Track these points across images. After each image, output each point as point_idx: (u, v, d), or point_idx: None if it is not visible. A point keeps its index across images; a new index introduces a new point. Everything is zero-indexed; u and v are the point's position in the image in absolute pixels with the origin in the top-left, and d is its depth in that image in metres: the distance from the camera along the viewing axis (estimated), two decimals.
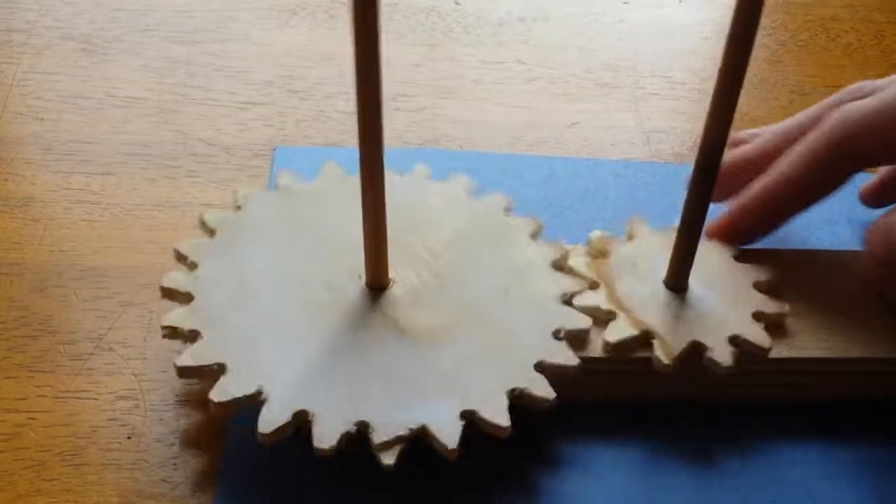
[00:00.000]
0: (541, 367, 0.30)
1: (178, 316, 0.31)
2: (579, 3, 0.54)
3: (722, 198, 0.36)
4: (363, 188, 0.29)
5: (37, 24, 0.49)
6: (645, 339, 0.32)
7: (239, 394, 0.29)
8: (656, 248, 0.34)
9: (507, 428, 0.29)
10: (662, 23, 0.53)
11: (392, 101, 0.46)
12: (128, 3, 0.51)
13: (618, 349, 0.32)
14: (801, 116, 0.36)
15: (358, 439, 0.29)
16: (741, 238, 0.35)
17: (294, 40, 0.50)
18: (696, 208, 0.31)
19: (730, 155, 0.35)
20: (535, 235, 0.35)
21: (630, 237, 0.35)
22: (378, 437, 0.28)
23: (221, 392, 0.29)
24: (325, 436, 0.28)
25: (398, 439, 0.28)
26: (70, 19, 0.50)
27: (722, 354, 0.31)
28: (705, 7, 0.55)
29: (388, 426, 0.29)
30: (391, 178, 0.36)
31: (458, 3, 0.53)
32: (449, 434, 0.29)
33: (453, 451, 0.28)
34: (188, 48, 0.49)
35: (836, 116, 0.32)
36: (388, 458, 0.28)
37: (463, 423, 0.29)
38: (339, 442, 0.28)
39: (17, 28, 0.49)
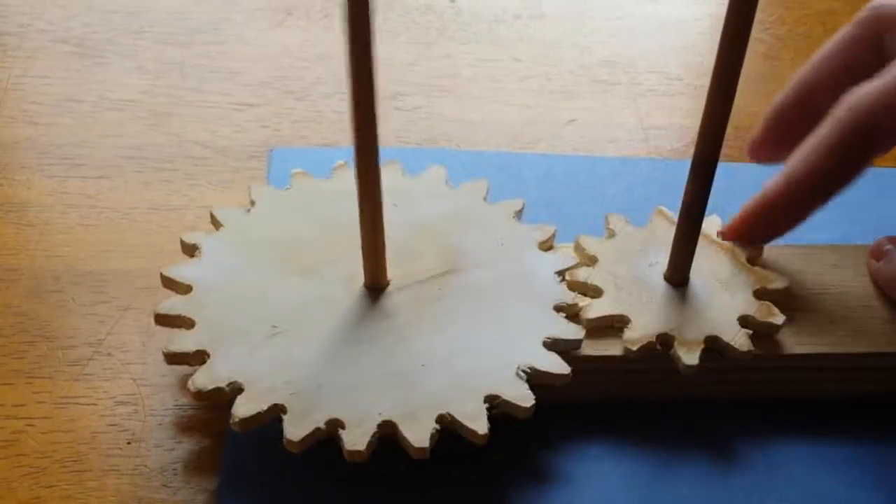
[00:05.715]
0: (531, 372, 0.30)
1: (175, 305, 0.32)
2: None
3: (776, 156, 0.35)
4: (359, 188, 0.29)
5: (29, 27, 0.49)
6: (664, 339, 0.32)
7: (219, 384, 0.29)
8: (652, 243, 0.34)
9: (483, 435, 0.29)
10: (658, 19, 0.53)
11: (388, 101, 0.46)
12: (120, 6, 0.51)
13: (638, 353, 0.31)
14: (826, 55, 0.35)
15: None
16: (761, 235, 0.34)
17: (289, 40, 0.50)
18: (695, 202, 0.31)
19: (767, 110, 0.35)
20: (543, 243, 0.34)
21: (611, 235, 0.35)
22: (351, 432, 0.28)
23: (205, 383, 0.29)
24: (298, 430, 0.28)
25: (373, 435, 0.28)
26: (62, 22, 0.49)
27: (739, 340, 0.32)
28: (700, 2, 0.55)
29: (363, 422, 0.28)
30: (398, 179, 0.36)
31: (453, 2, 0.53)
32: (421, 434, 0.28)
33: (422, 449, 0.28)
34: (182, 50, 0.48)
35: (846, 106, 0.32)
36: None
37: (436, 425, 0.29)
38: (310, 436, 0.28)
39: (9, 32, 0.49)
